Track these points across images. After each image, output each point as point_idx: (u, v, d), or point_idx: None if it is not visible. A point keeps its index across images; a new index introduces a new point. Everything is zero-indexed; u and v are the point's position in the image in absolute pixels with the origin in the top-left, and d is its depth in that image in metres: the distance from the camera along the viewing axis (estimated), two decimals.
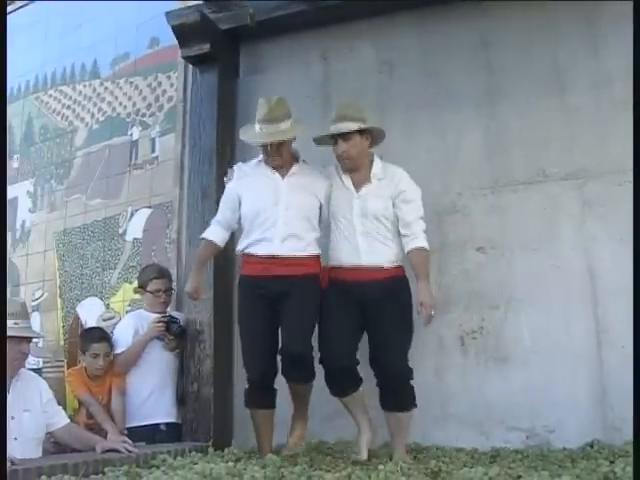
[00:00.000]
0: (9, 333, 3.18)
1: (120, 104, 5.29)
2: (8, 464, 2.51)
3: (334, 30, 4.29)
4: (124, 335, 4.00)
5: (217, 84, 4.20)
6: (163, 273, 4.15)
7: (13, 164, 5.98)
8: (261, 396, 3.34)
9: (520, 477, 2.39)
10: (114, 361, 3.95)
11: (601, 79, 3.66)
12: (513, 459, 3.01)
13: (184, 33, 4.18)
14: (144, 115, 5.09)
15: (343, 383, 3.25)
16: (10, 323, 3.20)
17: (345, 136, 3.28)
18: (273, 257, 3.28)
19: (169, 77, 4.94)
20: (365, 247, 3.29)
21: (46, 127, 5.83)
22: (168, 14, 4.22)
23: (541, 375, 3.48)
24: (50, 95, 5.86)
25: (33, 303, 5.39)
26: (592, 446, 3.15)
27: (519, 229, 3.70)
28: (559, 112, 3.73)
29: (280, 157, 3.35)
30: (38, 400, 3.29)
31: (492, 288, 3.68)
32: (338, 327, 3.24)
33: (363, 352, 3.31)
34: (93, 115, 5.45)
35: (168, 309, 4.13)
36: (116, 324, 4.40)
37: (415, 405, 3.22)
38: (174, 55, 4.71)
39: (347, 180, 3.38)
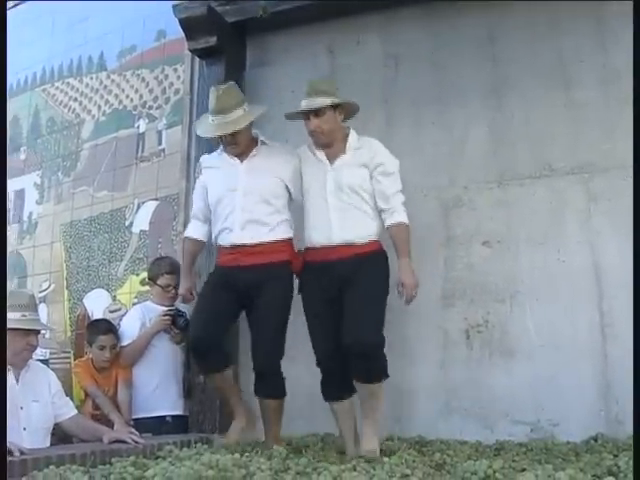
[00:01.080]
0: (16, 325, 3.21)
1: (127, 96, 5.30)
2: (17, 454, 2.53)
3: (340, 23, 4.28)
4: (131, 327, 4.02)
5: (224, 77, 4.18)
6: (175, 268, 4.14)
7: (20, 156, 6.00)
8: (213, 360, 3.27)
9: (524, 470, 2.39)
10: (120, 353, 3.98)
11: (608, 74, 3.65)
12: (517, 452, 3.01)
13: (191, 26, 4.18)
14: (151, 107, 5.10)
15: (337, 384, 3.17)
16: (18, 315, 3.22)
17: (317, 111, 3.18)
18: (236, 246, 3.21)
19: (176, 70, 4.95)
20: (337, 223, 3.14)
21: (53, 119, 5.84)
22: (175, 7, 4.22)
23: (546, 369, 3.49)
24: (57, 87, 5.87)
25: (40, 295, 5.41)
26: (596, 440, 3.15)
27: (525, 223, 3.70)
28: (565, 107, 3.72)
29: (237, 145, 3.27)
30: (47, 391, 3.32)
31: (498, 282, 3.69)
32: (321, 321, 3.16)
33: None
34: (100, 107, 5.47)
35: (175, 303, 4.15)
36: (123, 316, 4.42)
37: (387, 375, 3.09)
38: (181, 48, 4.72)
39: (320, 154, 3.26)
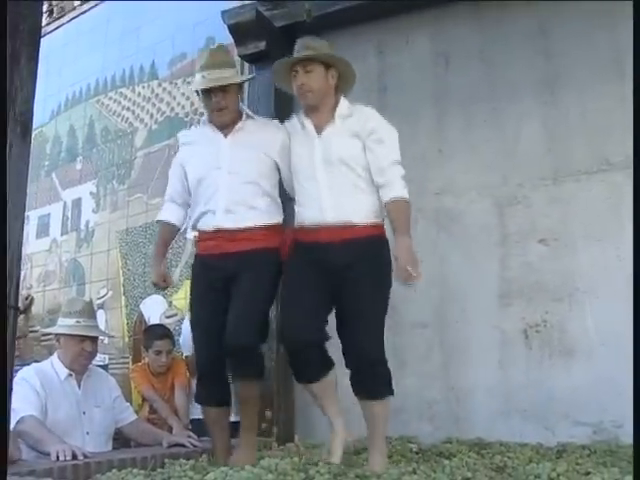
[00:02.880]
0: (68, 331, 3.30)
1: (178, 104, 5.37)
2: (81, 457, 2.60)
3: (389, 23, 4.27)
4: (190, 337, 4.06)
5: (273, 82, 4.21)
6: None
7: (77, 166, 6.14)
8: (211, 392, 2.91)
9: (589, 474, 2.34)
10: (186, 363, 4.02)
11: None
12: (580, 455, 2.94)
13: (240, 32, 4.21)
14: (202, 114, 5.11)
15: (309, 364, 2.72)
16: (72, 321, 3.30)
17: (306, 66, 2.79)
18: (219, 231, 2.83)
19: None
20: (330, 200, 2.72)
21: (107, 129, 5.96)
22: (224, 13, 4.25)
23: (607, 368, 3.41)
24: (110, 98, 5.99)
25: (98, 301, 5.52)
26: None
27: (582, 220, 3.62)
28: (621, 99, 3.63)
29: (226, 110, 2.89)
30: (108, 396, 3.39)
31: (555, 280, 3.61)
32: (300, 297, 2.71)
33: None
34: (152, 116, 5.56)
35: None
36: (179, 321, 4.47)
37: (391, 392, 2.71)
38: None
39: (307, 123, 2.85)
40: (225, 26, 4.25)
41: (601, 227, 3.57)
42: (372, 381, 2.66)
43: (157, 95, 5.56)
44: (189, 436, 3.32)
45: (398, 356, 3.77)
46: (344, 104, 2.85)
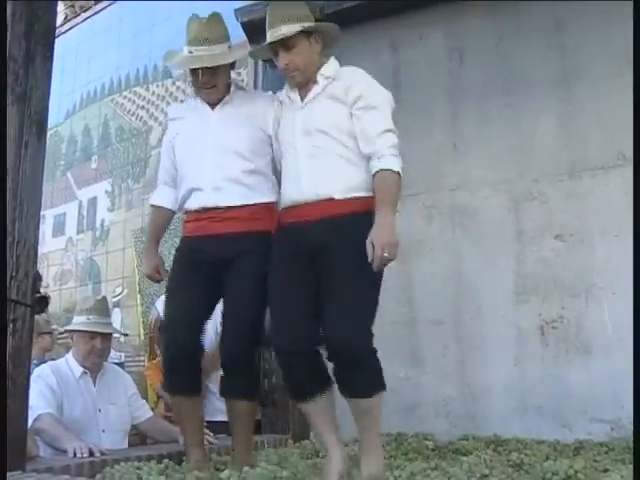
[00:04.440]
0: (77, 327, 3.33)
1: None
2: (97, 454, 2.61)
3: (402, 19, 4.25)
4: (208, 333, 4.05)
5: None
6: None
7: (92, 165, 6.17)
8: (185, 381, 2.67)
9: (607, 471, 2.33)
10: (202, 359, 4.03)
11: None
12: (598, 452, 2.92)
13: (253, 29, 4.18)
14: None
15: (301, 377, 2.38)
16: (82, 318, 3.32)
17: (286, 43, 2.44)
18: (205, 210, 2.59)
19: (239, 73, 4.99)
20: (307, 173, 2.40)
21: (122, 128, 5.99)
22: (237, 11, 4.26)
23: (625, 365, 3.36)
24: (125, 97, 6.02)
25: (114, 299, 5.55)
26: None
27: (599, 215, 3.59)
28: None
29: (215, 88, 2.65)
30: (123, 394, 3.40)
31: (572, 276, 3.59)
32: (286, 297, 2.41)
33: None
34: (167, 114, 5.57)
35: None
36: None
37: (381, 387, 2.35)
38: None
39: (293, 93, 2.55)
40: (238, 24, 4.25)
41: (617, 222, 3.54)
42: (357, 376, 2.28)
43: (171, 94, 5.58)
44: (205, 433, 3.33)
45: (414, 353, 3.77)
46: (331, 65, 2.53)
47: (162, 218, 2.84)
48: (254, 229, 2.57)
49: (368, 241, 2.20)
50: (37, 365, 3.45)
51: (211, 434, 3.31)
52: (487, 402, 3.64)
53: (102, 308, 3.46)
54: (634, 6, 2.61)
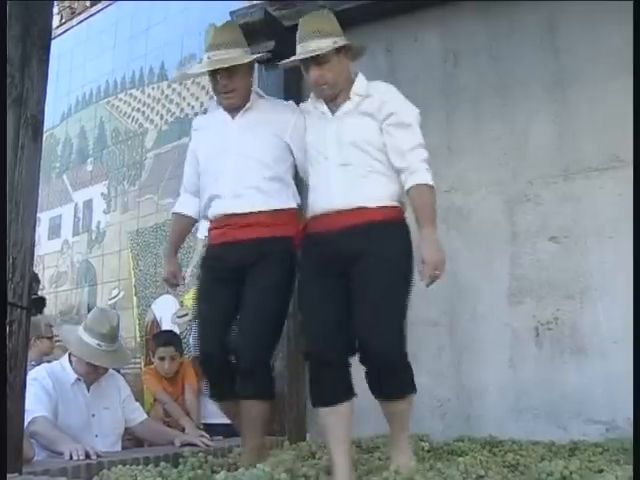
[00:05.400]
0: (88, 355, 3.21)
1: (188, 104, 5.39)
2: (94, 457, 2.61)
3: (397, 21, 4.26)
4: None
5: (283, 82, 4.21)
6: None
7: (87, 168, 6.17)
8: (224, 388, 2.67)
9: (602, 471, 2.33)
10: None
11: None
12: (593, 452, 2.93)
13: (249, 32, 4.17)
14: None
15: (328, 384, 2.43)
16: (92, 340, 3.21)
17: (319, 58, 2.51)
18: (227, 217, 2.64)
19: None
20: (341, 185, 2.48)
21: (117, 130, 5.99)
22: (233, 13, 4.25)
23: (620, 366, 3.39)
24: (120, 99, 6.02)
25: (110, 302, 5.55)
26: None
27: (593, 217, 3.60)
28: (631, 95, 3.61)
29: (234, 93, 2.69)
30: (117, 397, 3.39)
31: (566, 278, 3.60)
32: (315, 306, 2.47)
33: None
34: (162, 116, 5.58)
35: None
36: (190, 321, 4.48)
37: (412, 390, 2.47)
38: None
39: (321, 104, 2.62)
40: None
41: (612, 224, 3.55)
42: (392, 380, 2.39)
43: (167, 96, 5.59)
44: (202, 435, 3.34)
45: (409, 354, 3.77)
46: (361, 82, 2.61)
47: (183, 225, 2.91)
48: (275, 234, 2.60)
49: (417, 259, 2.35)
50: (34, 367, 3.44)
51: (207, 435, 3.32)
52: (482, 403, 3.65)
53: (114, 335, 3.33)
54: (634, 6, 2.62)
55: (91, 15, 6.37)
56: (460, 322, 3.75)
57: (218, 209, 2.67)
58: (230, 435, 3.70)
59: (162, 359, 4.03)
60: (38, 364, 3.62)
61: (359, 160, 2.49)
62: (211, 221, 2.75)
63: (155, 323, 5.18)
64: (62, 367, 3.28)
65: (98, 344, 3.20)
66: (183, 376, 4.11)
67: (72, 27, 6.57)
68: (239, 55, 2.67)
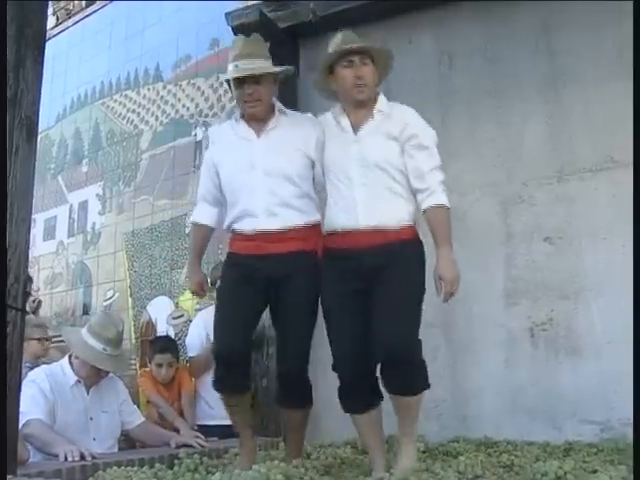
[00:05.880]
0: (94, 359, 3.20)
1: (183, 106, 5.39)
2: (89, 459, 2.61)
3: (392, 23, 4.26)
4: (198, 337, 4.06)
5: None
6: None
7: (82, 169, 6.16)
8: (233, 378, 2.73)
9: (596, 472, 2.33)
10: (191, 365, 4.05)
11: None
12: (587, 453, 2.93)
13: (244, 33, 4.20)
14: (207, 116, 5.17)
15: (357, 394, 2.62)
16: (97, 344, 3.22)
17: (363, 58, 2.66)
18: (260, 232, 2.70)
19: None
20: (364, 204, 2.60)
21: (112, 131, 5.98)
22: (228, 15, 4.27)
23: (615, 366, 3.40)
24: (115, 100, 6.01)
25: (105, 303, 5.55)
26: None
27: (587, 218, 3.62)
28: (625, 96, 3.61)
29: (260, 102, 2.73)
30: (115, 400, 3.38)
31: (561, 279, 3.62)
32: (344, 317, 2.61)
33: None
34: (157, 118, 5.58)
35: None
36: (186, 322, 4.48)
37: (426, 386, 2.59)
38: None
39: (344, 120, 2.71)
40: (229, 28, 4.26)
41: (606, 225, 3.57)
42: (409, 376, 2.51)
43: (162, 97, 5.58)
44: (197, 437, 3.34)
45: None
46: (383, 100, 2.72)
47: (203, 234, 2.96)
48: (304, 248, 2.71)
49: (435, 276, 2.51)
50: (30, 369, 3.43)
51: (202, 437, 3.32)
52: (478, 404, 3.66)
53: (119, 340, 3.34)
54: (634, 6, 2.64)
55: (86, 16, 6.36)
56: (455, 323, 3.76)
57: (252, 226, 2.73)
58: (225, 436, 3.71)
59: (159, 366, 4.02)
60: (34, 366, 3.61)
61: (381, 180, 2.61)
62: (238, 233, 2.79)
63: (150, 324, 5.17)
64: (62, 369, 3.26)
65: (104, 348, 3.21)
66: (179, 382, 4.10)
67: (67, 28, 6.56)
68: (267, 65, 2.75)
